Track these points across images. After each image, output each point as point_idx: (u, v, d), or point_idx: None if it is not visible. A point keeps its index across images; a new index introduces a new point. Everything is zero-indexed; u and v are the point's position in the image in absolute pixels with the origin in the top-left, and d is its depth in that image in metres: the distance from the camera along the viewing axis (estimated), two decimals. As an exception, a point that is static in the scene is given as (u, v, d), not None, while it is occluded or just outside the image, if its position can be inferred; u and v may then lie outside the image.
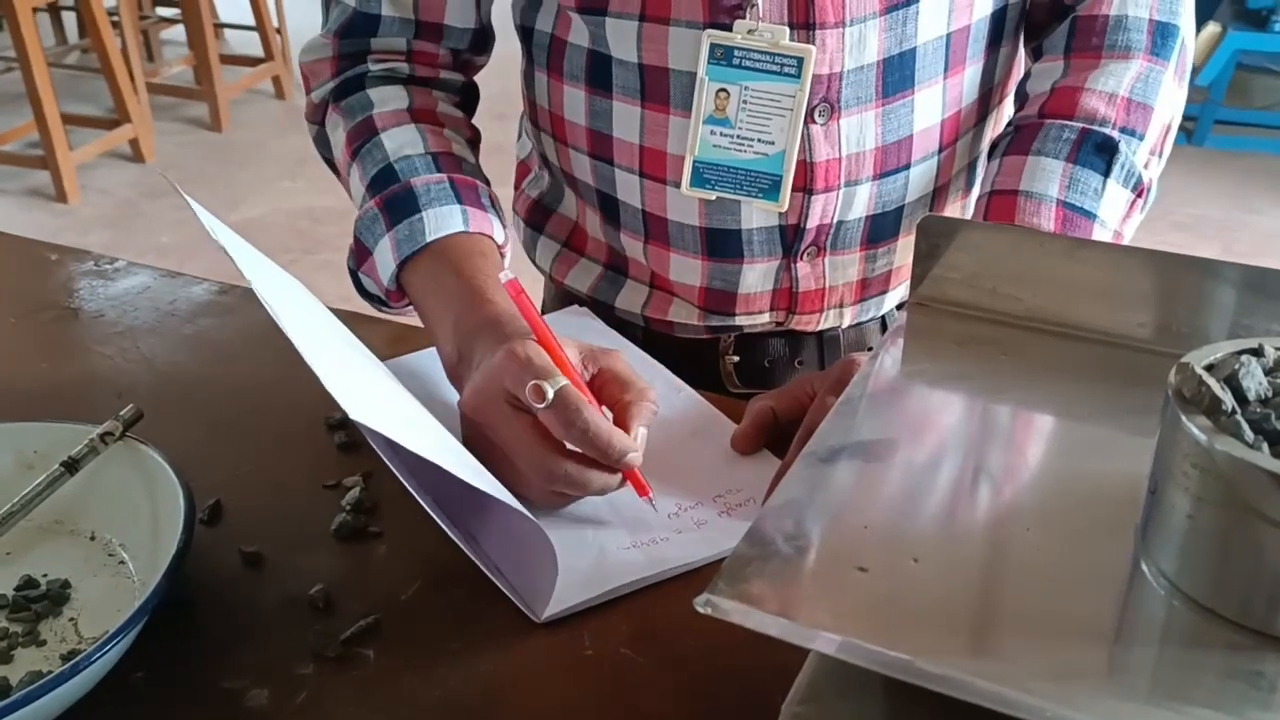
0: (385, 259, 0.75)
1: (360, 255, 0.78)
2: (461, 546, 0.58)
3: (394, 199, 0.76)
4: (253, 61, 4.35)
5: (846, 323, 0.87)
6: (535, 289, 0.74)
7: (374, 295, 0.80)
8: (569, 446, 0.62)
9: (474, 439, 0.66)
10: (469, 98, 0.89)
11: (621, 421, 0.64)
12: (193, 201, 0.63)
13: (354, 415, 0.50)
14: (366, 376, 0.65)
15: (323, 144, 0.88)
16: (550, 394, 0.61)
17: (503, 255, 0.78)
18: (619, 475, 0.64)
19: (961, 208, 0.87)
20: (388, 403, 0.63)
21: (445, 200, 0.75)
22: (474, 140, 0.86)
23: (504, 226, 0.79)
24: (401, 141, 0.79)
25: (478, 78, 0.91)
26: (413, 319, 0.80)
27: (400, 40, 0.83)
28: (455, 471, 0.54)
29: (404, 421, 0.60)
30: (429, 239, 0.74)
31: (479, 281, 0.72)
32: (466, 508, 0.62)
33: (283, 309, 0.56)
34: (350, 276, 0.81)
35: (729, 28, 0.72)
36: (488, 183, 0.81)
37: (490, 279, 0.72)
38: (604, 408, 0.65)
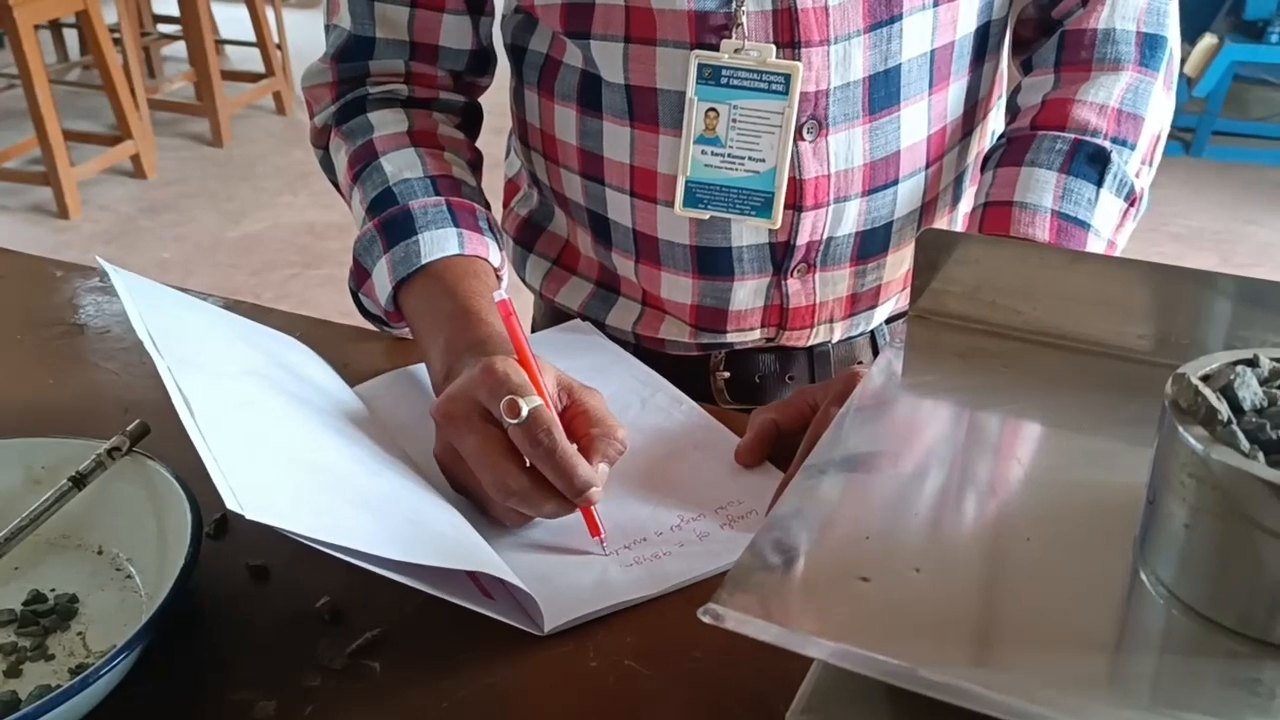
0: (382, 280, 0.76)
1: (360, 276, 0.79)
2: (442, 594, 0.56)
3: (391, 221, 0.76)
4: (253, 77, 4.37)
5: (836, 338, 0.88)
6: (525, 307, 0.74)
7: (375, 316, 0.81)
8: (531, 467, 0.62)
9: (443, 449, 0.65)
10: (471, 119, 0.89)
11: (585, 455, 0.62)
12: (115, 275, 0.63)
13: (251, 514, 0.48)
14: (293, 432, 0.63)
15: (328, 168, 0.88)
16: (525, 411, 0.60)
17: (499, 278, 0.78)
18: (572, 506, 0.62)
19: (949, 221, 0.88)
20: (323, 456, 0.62)
21: (441, 223, 0.76)
22: (475, 162, 0.86)
23: (501, 249, 0.79)
24: (401, 165, 0.79)
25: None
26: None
27: (398, 62, 0.83)
28: (381, 553, 0.53)
29: (343, 483, 0.60)
30: (424, 261, 0.74)
31: (472, 303, 0.72)
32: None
33: (194, 388, 0.56)
34: (352, 297, 0.81)
35: (716, 48, 0.73)
36: (488, 206, 0.82)
37: (483, 300, 0.72)
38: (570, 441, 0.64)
